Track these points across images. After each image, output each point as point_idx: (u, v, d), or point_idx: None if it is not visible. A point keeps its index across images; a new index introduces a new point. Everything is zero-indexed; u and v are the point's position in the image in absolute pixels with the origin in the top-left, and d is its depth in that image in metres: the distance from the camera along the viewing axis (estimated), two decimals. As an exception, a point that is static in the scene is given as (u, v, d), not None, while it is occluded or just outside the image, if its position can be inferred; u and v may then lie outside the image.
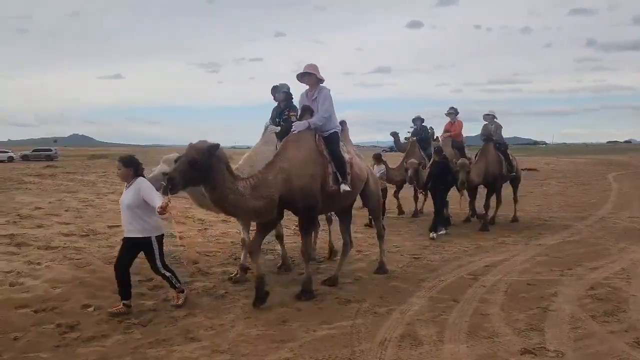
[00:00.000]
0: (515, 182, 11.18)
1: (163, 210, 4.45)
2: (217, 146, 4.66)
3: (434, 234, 8.77)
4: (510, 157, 10.60)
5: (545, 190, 18.66)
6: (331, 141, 5.57)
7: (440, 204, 9.31)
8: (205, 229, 8.99)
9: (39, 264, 6.18)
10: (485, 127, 10.68)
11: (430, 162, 10.06)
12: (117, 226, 8.88)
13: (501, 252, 7.67)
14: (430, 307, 5.07)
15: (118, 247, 7.30)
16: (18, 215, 9.60)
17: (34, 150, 52.88)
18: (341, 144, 5.70)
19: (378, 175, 9.73)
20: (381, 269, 6.44)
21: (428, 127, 12.56)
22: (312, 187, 5.27)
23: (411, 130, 13.43)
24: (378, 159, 11.00)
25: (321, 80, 5.67)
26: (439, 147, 10.13)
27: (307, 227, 5.54)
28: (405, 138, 13.08)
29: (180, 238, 8.07)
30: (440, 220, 9.17)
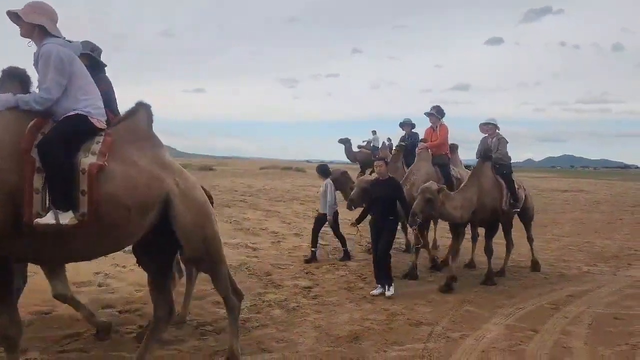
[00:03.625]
0: (525, 219, 8.08)
1: None
2: None
3: (380, 290, 6.15)
4: (516, 185, 7.33)
5: (637, 217, 17.37)
6: (51, 132, 3.14)
7: (386, 245, 6.29)
8: (278, 241, 9.14)
9: (124, 267, 6.55)
10: (483, 142, 7.56)
11: (372, 181, 6.94)
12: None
13: (585, 282, 7.20)
14: (507, 336, 4.85)
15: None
16: (107, 220, 10.26)
17: (122, 159, 56.51)
18: (97, 143, 3.26)
19: (329, 198, 8.00)
20: None
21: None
22: None
23: (372, 139, 11.94)
24: (324, 172, 8.43)
25: (45, 33, 3.26)
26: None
27: None
28: (359, 146, 11.58)
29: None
30: (386, 270, 6.27)
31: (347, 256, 8.00)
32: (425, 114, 8.29)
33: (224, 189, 19.21)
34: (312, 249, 7.95)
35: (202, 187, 3.98)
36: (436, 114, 8.07)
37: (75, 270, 6.18)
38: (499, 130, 7.51)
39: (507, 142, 7.45)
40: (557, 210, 17.71)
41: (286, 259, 7.89)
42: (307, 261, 7.73)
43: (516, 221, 7.98)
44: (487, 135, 7.52)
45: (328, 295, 6.08)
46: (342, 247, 8.12)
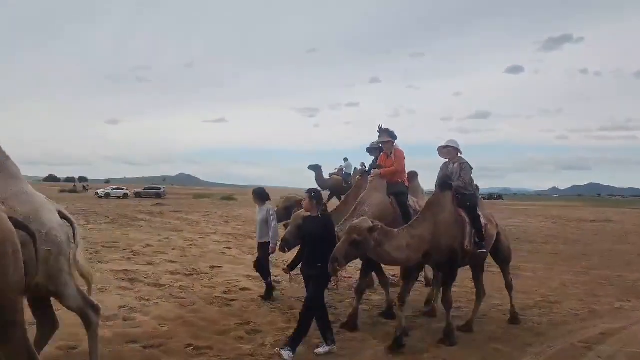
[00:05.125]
0: (500, 261, 6.80)
1: None
2: None
3: (325, 348, 5.15)
4: (483, 220, 6.00)
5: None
6: None
7: (309, 301, 5.11)
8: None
9: (148, 300, 6.60)
10: (443, 168, 6.38)
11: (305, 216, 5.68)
12: (219, 267, 9.32)
13: (619, 319, 6.97)
14: (538, 377, 4.69)
15: (219, 288, 7.70)
16: (132, 251, 10.38)
17: (145, 188, 57.42)
18: None
19: (273, 224, 7.26)
20: None
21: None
22: None
23: (344, 165, 11.14)
24: (261, 196, 7.52)
25: None
26: (313, 189, 5.63)
27: None
28: (330, 174, 10.94)
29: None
30: (325, 323, 5.25)
31: (269, 293, 7.29)
32: (378, 143, 7.33)
33: (246, 219, 19.32)
34: (266, 281, 7.39)
35: (59, 211, 3.67)
36: (389, 136, 6.97)
37: (101, 304, 6.27)
38: (461, 154, 6.30)
39: (471, 169, 6.19)
40: (585, 242, 17.32)
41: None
42: (264, 298, 7.21)
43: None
44: (447, 160, 6.35)
45: (351, 331, 5.99)
46: (264, 279, 7.40)
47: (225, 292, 7.46)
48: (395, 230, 5.46)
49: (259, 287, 7.81)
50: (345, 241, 5.00)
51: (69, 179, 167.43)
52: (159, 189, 57.07)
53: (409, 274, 5.78)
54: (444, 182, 5.92)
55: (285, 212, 7.67)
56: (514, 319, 6.57)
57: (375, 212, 6.26)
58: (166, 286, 7.59)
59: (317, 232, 5.21)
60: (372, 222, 5.16)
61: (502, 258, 6.74)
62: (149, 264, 9.30)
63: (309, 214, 5.48)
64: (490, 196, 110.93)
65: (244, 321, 6.10)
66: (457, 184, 5.95)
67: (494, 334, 6.05)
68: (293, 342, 4.93)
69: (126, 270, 8.44)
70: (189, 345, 5.15)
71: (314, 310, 5.08)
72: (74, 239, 3.75)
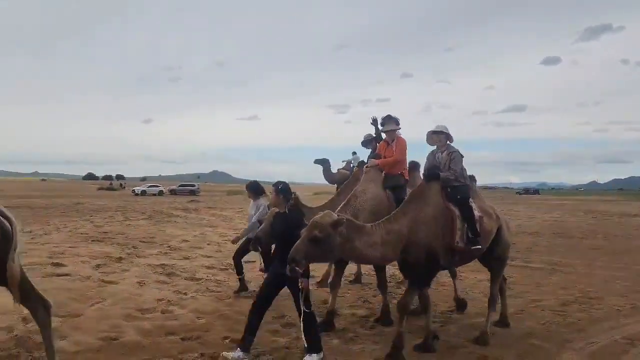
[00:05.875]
0: (495, 262, 5.76)
1: None
2: None
3: (239, 354, 4.60)
4: (476, 214, 5.23)
5: None
6: None
7: (301, 307, 4.58)
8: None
9: (185, 294, 6.75)
10: (429, 157, 5.73)
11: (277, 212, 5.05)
12: (253, 261, 9.40)
13: (663, 315, 6.73)
14: (579, 373, 4.58)
15: (253, 282, 7.79)
16: (169, 246, 10.64)
17: (180, 185, 58.58)
18: None
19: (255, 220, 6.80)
20: None
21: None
22: None
23: (352, 159, 10.87)
24: (255, 190, 7.21)
25: None
26: (281, 182, 5.07)
27: None
28: (339, 169, 10.67)
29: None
30: (311, 330, 4.61)
31: (242, 287, 7.21)
32: (382, 131, 6.67)
33: (279, 215, 19.51)
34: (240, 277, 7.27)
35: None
36: (392, 123, 6.38)
37: (141, 297, 6.46)
38: (451, 141, 5.66)
39: (462, 157, 5.46)
40: (627, 236, 16.79)
41: (342, 287, 7.83)
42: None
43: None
44: (435, 148, 5.70)
45: (385, 326, 5.97)
46: (237, 274, 7.30)
47: (259, 286, 7.53)
48: (369, 225, 4.83)
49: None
50: (305, 238, 4.28)
51: (107, 177, 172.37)
52: (193, 186, 58.18)
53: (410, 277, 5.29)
54: (431, 172, 5.31)
55: None
56: (480, 339, 5.45)
57: (369, 207, 5.88)
58: (202, 280, 7.74)
59: (283, 229, 4.74)
60: (338, 216, 4.50)
61: (497, 256, 5.69)
62: (185, 258, 9.51)
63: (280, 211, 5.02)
64: (527, 191, 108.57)
65: (279, 315, 6.16)
66: (445, 176, 5.28)
67: (532, 330, 5.92)
68: (314, 345, 4.57)
69: (164, 264, 8.65)
70: (226, 337, 5.24)
71: (310, 309, 4.55)
72: (13, 239, 3.63)
